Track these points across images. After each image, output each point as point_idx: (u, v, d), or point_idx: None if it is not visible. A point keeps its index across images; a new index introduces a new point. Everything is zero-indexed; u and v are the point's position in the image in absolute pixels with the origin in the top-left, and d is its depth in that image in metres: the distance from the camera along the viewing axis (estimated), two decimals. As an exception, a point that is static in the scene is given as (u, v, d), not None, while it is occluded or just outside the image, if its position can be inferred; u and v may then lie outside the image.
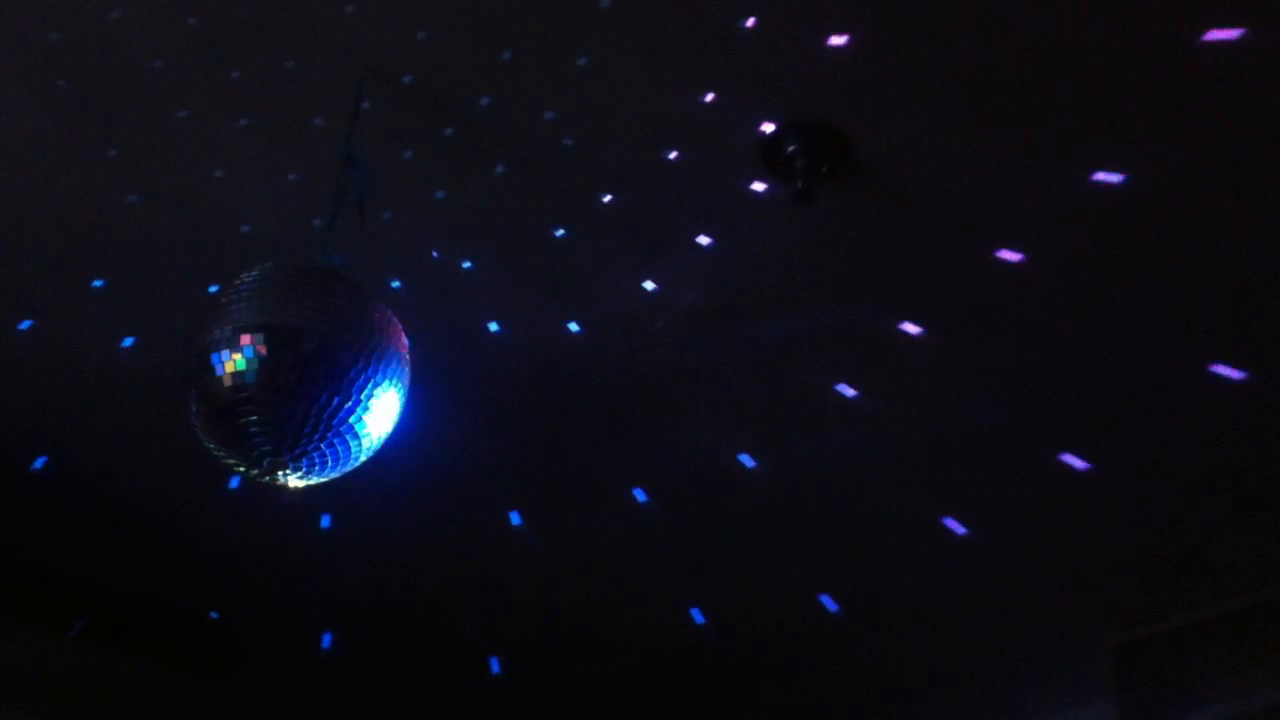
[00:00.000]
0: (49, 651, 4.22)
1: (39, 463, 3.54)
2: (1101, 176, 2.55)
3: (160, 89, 2.63)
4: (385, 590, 4.05)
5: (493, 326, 3.07)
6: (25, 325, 3.14)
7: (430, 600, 4.08)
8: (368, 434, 2.11)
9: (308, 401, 2.02)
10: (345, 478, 2.23)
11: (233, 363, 2.02)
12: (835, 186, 2.62)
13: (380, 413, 2.11)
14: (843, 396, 3.14)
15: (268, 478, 2.08)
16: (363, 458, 2.15)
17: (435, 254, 2.93)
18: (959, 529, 3.46)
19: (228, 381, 2.02)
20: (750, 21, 2.39)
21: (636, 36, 2.43)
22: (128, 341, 3.15)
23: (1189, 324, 2.84)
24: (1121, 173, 2.54)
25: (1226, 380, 2.91)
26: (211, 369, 2.04)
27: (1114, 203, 2.59)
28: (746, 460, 3.37)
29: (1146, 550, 3.51)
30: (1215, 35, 2.29)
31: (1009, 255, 2.74)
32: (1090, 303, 2.82)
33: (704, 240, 2.82)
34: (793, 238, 2.79)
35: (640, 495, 3.52)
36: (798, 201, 2.58)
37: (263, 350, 2.02)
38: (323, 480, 2.14)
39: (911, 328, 2.94)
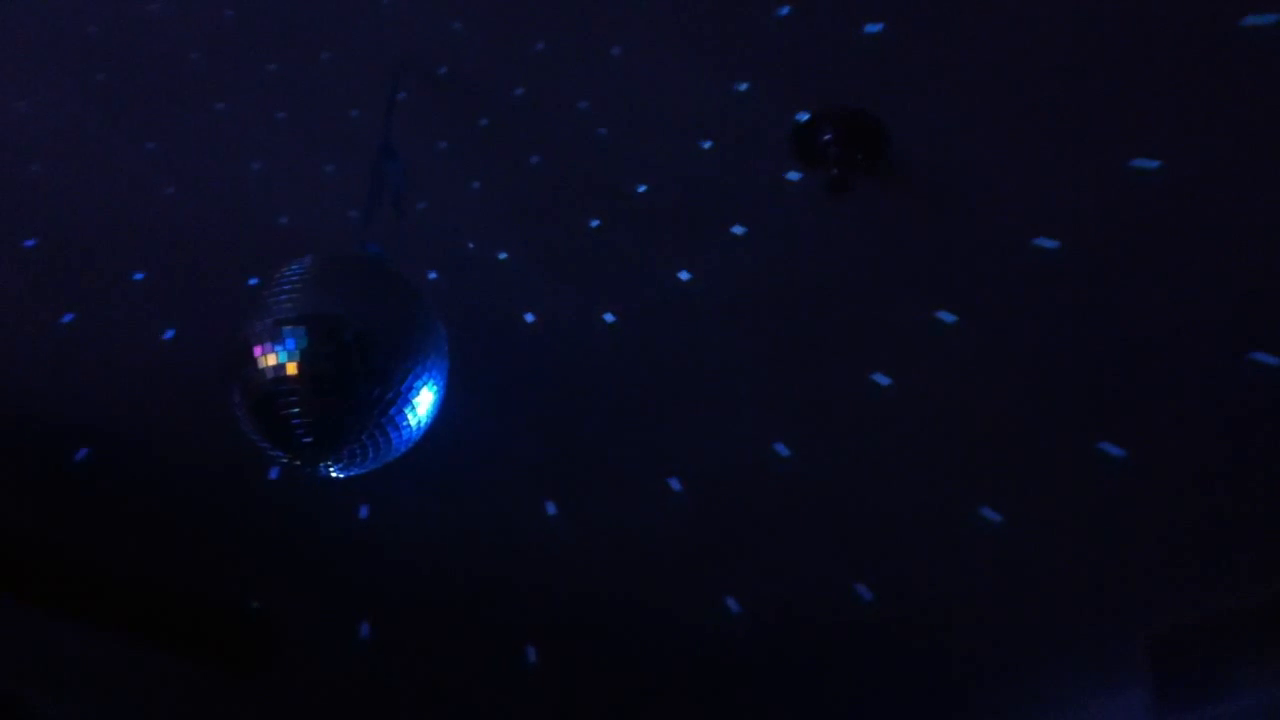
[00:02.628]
0: (86, 643, 4.26)
1: (80, 454, 3.57)
2: (1138, 164, 2.54)
3: (198, 82, 2.65)
4: (422, 581, 4.07)
5: (528, 317, 3.09)
6: (67, 318, 3.17)
7: (466, 590, 4.10)
8: (408, 425, 2.13)
9: (348, 392, 2.04)
10: (382, 468, 2.24)
11: (274, 354, 2.04)
12: (869, 175, 2.62)
13: (420, 403, 2.13)
14: (877, 386, 3.13)
15: (309, 468, 2.10)
16: (403, 449, 2.17)
17: (470, 245, 2.94)
18: (994, 517, 3.45)
19: (269, 373, 2.04)
20: (784, 10, 2.39)
21: (670, 26, 2.44)
22: (168, 334, 3.18)
23: (1226, 312, 2.82)
24: (1158, 160, 2.53)
25: (1264, 367, 2.90)
26: (252, 361, 2.06)
27: (1150, 190, 2.58)
28: (781, 450, 3.37)
29: (1183, 538, 3.49)
30: (1253, 20, 2.28)
31: (1044, 243, 2.73)
32: (1126, 291, 2.81)
33: (738, 230, 2.82)
34: (827, 227, 2.79)
35: (675, 485, 3.53)
36: (832, 190, 2.58)
37: (303, 342, 2.04)
38: (363, 471, 2.16)
39: (946, 316, 2.93)
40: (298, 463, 2.09)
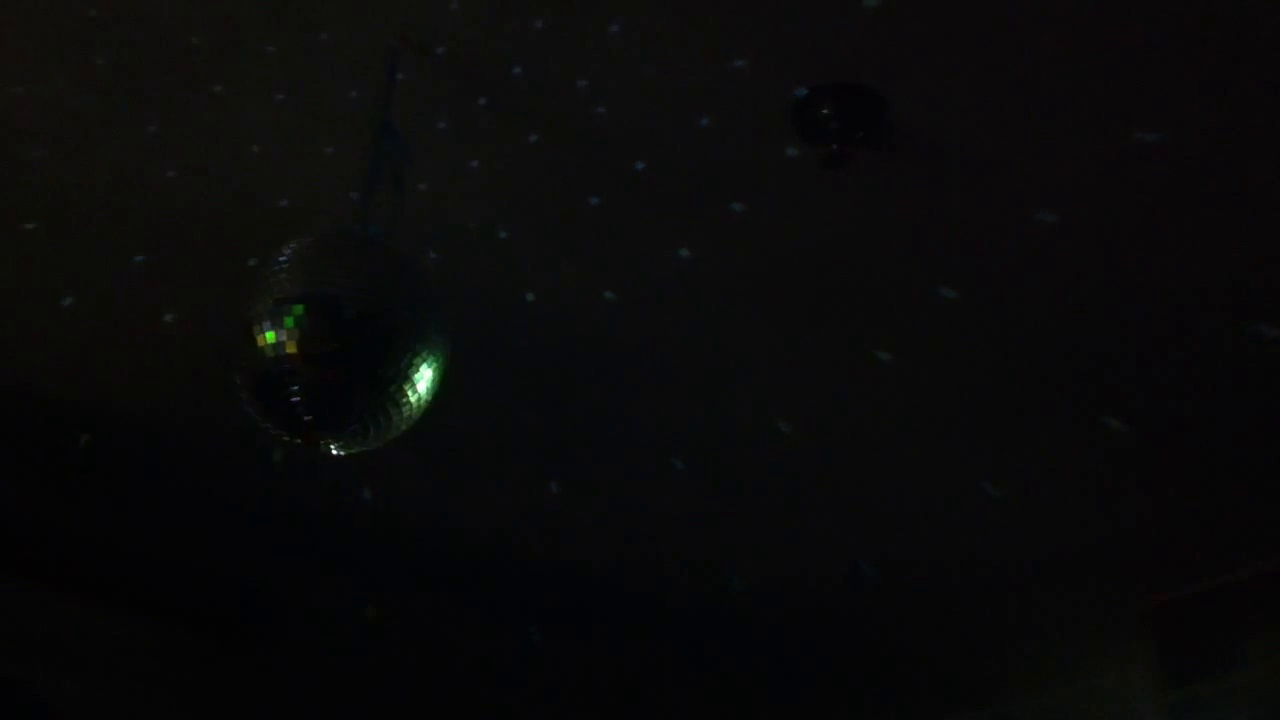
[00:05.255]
0: (89, 623, 4.28)
1: (82, 436, 3.58)
2: (1139, 135, 2.53)
3: (197, 64, 2.64)
4: (424, 560, 4.08)
5: (528, 296, 3.09)
6: (67, 301, 3.17)
7: (468, 569, 4.11)
8: (408, 403, 2.13)
9: (348, 370, 2.05)
10: (384, 447, 2.25)
11: (274, 333, 2.04)
12: (869, 149, 2.61)
13: (420, 381, 2.13)
14: (878, 361, 3.14)
15: (310, 447, 2.11)
16: (404, 426, 2.17)
17: (470, 224, 2.94)
18: (997, 491, 3.46)
19: (269, 352, 2.04)
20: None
21: (668, 3, 2.43)
22: (169, 315, 3.18)
23: (1228, 282, 2.83)
24: (1159, 131, 2.52)
25: (1267, 338, 2.90)
26: (253, 340, 2.06)
27: (1152, 161, 2.58)
28: (782, 427, 3.37)
29: (1186, 509, 3.50)
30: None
31: (1046, 216, 2.72)
32: (1128, 262, 2.81)
33: (738, 207, 2.82)
34: (826, 203, 2.79)
35: (677, 463, 3.53)
36: (831, 165, 2.57)
37: (303, 320, 2.04)
38: (364, 448, 2.16)
39: (947, 291, 2.93)
40: (298, 441, 2.10)
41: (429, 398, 2.19)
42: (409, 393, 2.12)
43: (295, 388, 2.03)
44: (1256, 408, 3.13)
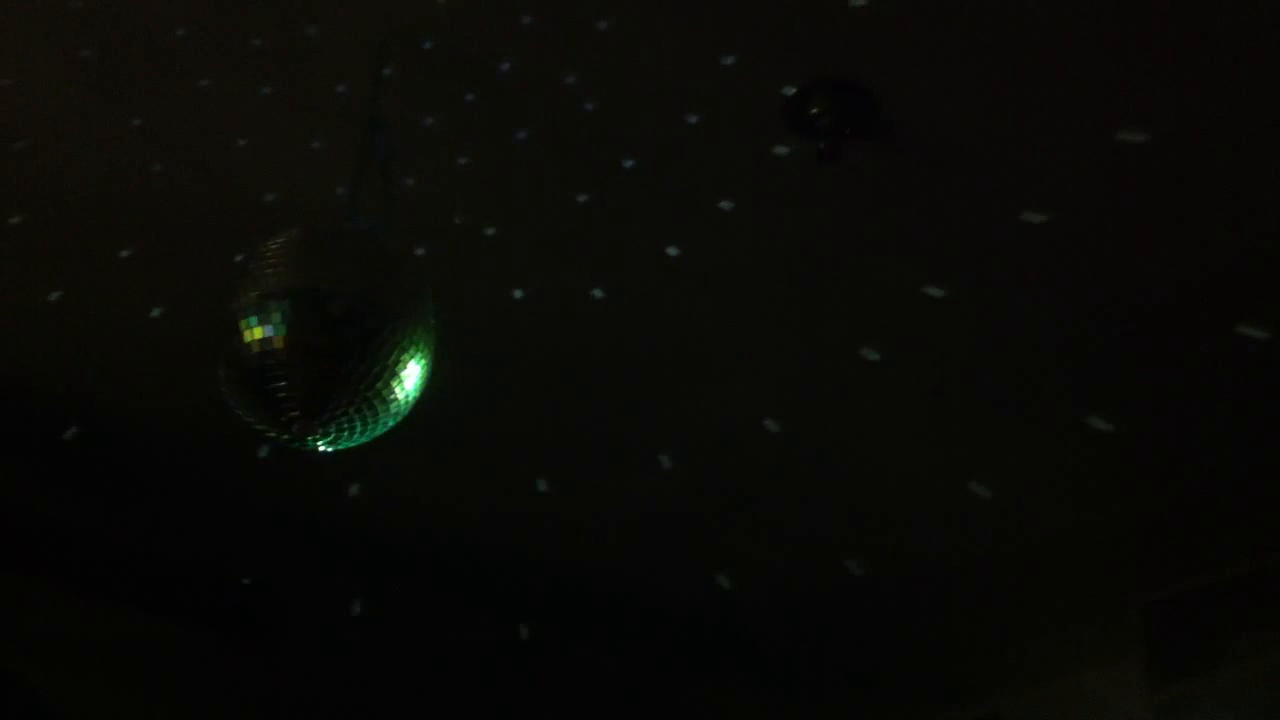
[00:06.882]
0: (82, 618, 4.26)
1: (69, 432, 3.56)
2: (1126, 134, 2.53)
3: (183, 57, 2.63)
4: (411, 558, 4.07)
5: (516, 293, 3.08)
6: (54, 295, 3.16)
7: (455, 568, 4.10)
8: (395, 398, 2.12)
9: (334, 365, 2.03)
10: (372, 445, 2.24)
11: (260, 327, 2.03)
12: (859, 146, 2.61)
13: (407, 376, 2.12)
14: (867, 359, 3.13)
15: (296, 442, 2.10)
16: (391, 423, 2.16)
17: (458, 220, 2.93)
18: (987, 489, 3.46)
19: (255, 346, 2.03)
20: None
21: (658, -1, 2.43)
22: (155, 311, 3.17)
23: (1214, 282, 2.83)
24: (1146, 130, 2.52)
25: (1252, 338, 2.90)
26: (239, 334, 2.05)
27: (1139, 160, 2.58)
28: (772, 424, 3.37)
29: (1175, 508, 3.50)
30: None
31: (1034, 215, 2.72)
32: (1115, 262, 2.81)
33: (727, 204, 2.81)
34: (816, 200, 2.78)
35: (666, 461, 3.53)
36: (822, 162, 2.57)
37: (289, 314, 2.03)
38: (351, 444, 2.15)
39: (935, 288, 2.93)
40: (285, 437, 2.09)
41: (416, 394, 2.18)
42: (396, 388, 2.11)
43: (281, 383, 2.02)
44: (1242, 407, 3.14)
